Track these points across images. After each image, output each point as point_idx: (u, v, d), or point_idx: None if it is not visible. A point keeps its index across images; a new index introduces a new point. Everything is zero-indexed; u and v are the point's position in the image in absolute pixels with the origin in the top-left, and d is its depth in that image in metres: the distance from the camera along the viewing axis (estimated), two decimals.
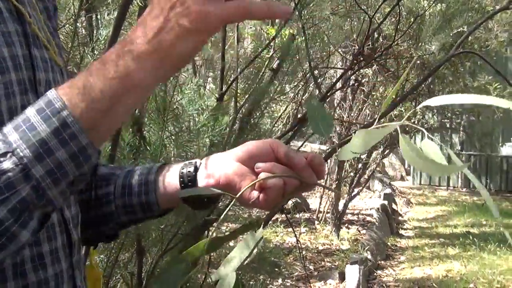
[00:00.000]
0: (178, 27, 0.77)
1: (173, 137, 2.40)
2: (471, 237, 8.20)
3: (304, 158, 0.98)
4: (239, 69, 3.10)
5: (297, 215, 8.76)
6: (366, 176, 9.09)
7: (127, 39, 0.79)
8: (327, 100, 7.00)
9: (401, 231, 9.29)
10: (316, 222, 8.67)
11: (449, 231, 9.12)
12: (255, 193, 0.98)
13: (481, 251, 7.56)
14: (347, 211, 8.82)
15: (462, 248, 7.85)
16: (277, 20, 3.38)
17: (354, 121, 7.57)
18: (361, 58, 3.67)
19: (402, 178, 16.25)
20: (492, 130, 13.58)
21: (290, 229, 8.03)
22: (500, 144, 13.82)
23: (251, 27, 5.70)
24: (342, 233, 8.12)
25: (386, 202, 9.61)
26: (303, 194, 10.95)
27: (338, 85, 4.07)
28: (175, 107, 2.45)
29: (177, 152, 2.38)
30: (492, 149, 13.39)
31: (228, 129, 2.60)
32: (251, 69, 3.35)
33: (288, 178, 0.97)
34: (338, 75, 5.40)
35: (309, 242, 7.80)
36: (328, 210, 8.40)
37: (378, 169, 11.01)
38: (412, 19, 4.92)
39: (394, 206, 10.49)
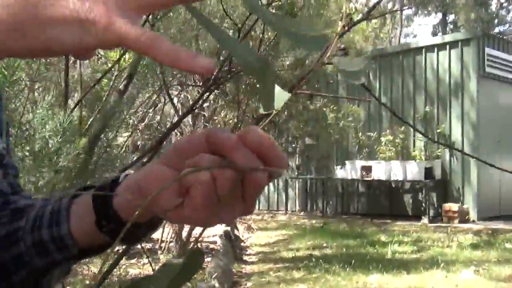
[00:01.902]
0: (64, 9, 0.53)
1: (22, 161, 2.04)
2: (314, 260, 8.26)
3: (238, 136, 0.68)
4: (81, 93, 2.81)
5: (138, 246, 8.40)
6: None
7: None
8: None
9: (245, 257, 9.20)
10: (159, 252, 8.36)
11: (292, 254, 9.16)
12: (176, 200, 0.68)
13: (326, 272, 7.61)
14: (190, 239, 8.59)
15: (307, 270, 7.87)
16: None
17: None
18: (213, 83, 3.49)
19: None
20: (328, 154, 14.00)
21: (133, 261, 7.68)
22: (336, 167, 14.23)
23: None
24: None
25: (228, 228, 9.52)
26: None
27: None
28: (25, 128, 2.10)
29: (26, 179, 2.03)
30: (328, 172, 13.76)
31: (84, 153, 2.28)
32: (94, 86, 3.09)
33: (218, 169, 0.65)
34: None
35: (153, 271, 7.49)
36: (171, 239, 8.14)
37: None
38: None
39: (236, 232, 10.42)
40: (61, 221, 0.84)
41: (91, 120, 2.70)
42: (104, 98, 2.85)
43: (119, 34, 0.54)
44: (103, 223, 0.81)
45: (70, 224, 0.84)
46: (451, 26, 36.49)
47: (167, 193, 0.68)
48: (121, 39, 0.54)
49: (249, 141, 0.66)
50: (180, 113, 5.75)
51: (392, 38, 30.90)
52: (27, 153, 2.06)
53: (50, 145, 2.04)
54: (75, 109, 2.61)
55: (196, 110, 7.47)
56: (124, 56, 3.18)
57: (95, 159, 2.39)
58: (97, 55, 5.11)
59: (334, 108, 9.25)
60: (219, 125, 7.32)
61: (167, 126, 6.21)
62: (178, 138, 0.75)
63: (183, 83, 5.76)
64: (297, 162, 14.26)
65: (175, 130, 7.24)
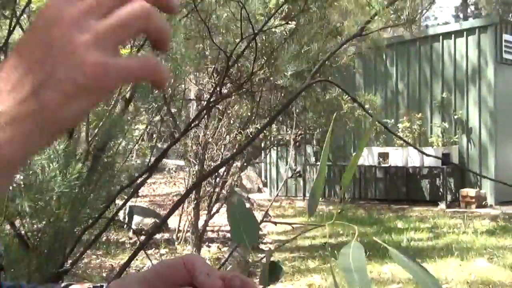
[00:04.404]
0: (67, 83, 0.56)
1: (20, 189, 2.12)
2: (329, 249, 8.35)
3: (221, 280, 0.81)
4: None
5: (156, 236, 8.55)
6: (224, 192, 9.05)
7: None
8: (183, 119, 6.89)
9: (261, 246, 9.31)
10: (176, 242, 8.50)
11: (308, 243, 9.25)
12: None
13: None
14: (207, 228, 8.72)
15: (321, 260, 7.97)
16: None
17: (210, 140, 7.50)
18: (220, 95, 3.58)
19: (259, 190, 16.45)
20: (345, 141, 14.08)
21: (149, 251, 7.83)
22: (353, 154, 14.28)
23: None
24: (203, 252, 8.01)
25: None
26: (161, 212, 10.76)
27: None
28: None
29: (27, 205, 2.12)
30: (345, 159, 13.82)
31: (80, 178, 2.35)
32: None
33: None
34: (195, 106, 5.30)
35: None
36: (188, 229, 8.27)
37: (236, 183, 11.04)
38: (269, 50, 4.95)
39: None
40: None
41: (96, 131, 2.76)
42: (111, 105, 2.92)
43: (122, 74, 0.58)
44: None
45: None
46: (472, 8, 36.19)
47: None
48: (125, 77, 0.59)
49: (229, 284, 0.79)
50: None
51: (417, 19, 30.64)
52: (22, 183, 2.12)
53: (46, 173, 2.11)
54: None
55: (210, 104, 7.57)
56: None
57: (97, 176, 2.48)
58: None
59: (349, 98, 9.28)
60: (232, 119, 7.39)
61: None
62: (159, 262, 0.82)
63: (185, 99, 5.86)
64: (313, 149, 14.34)
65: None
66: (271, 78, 6.03)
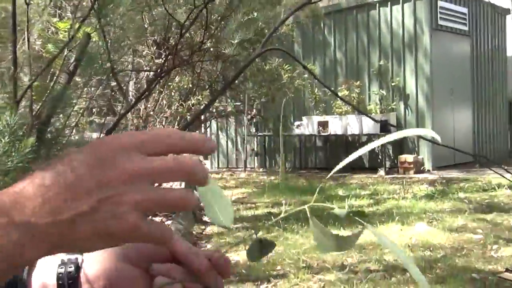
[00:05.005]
0: (103, 226, 0.61)
1: None
2: (272, 218, 8.39)
3: (207, 259, 0.83)
4: (31, 75, 2.79)
5: None
6: None
7: (18, 199, 0.61)
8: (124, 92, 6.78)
9: (205, 218, 9.30)
10: None
11: (251, 213, 9.28)
12: None
13: (284, 231, 7.76)
14: None
15: (265, 230, 8.01)
16: (69, 14, 3.11)
17: (151, 113, 7.41)
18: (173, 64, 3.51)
19: None
20: (285, 111, 14.12)
21: None
22: (293, 124, 14.36)
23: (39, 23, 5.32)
24: None
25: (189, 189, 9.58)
26: None
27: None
28: None
29: None
30: (286, 129, 13.89)
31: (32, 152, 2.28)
32: (40, 65, 3.07)
33: (189, 283, 0.82)
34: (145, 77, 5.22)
35: None
36: None
37: None
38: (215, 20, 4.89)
39: (195, 192, 10.49)
40: None
41: (39, 105, 2.69)
42: (52, 83, 2.83)
43: (147, 237, 0.65)
44: None
45: None
46: None
47: None
48: (149, 240, 0.66)
49: (218, 267, 0.83)
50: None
51: None
52: None
53: None
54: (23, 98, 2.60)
55: (150, 75, 7.47)
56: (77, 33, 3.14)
57: (45, 150, 2.41)
58: (48, 27, 5.06)
59: (289, 68, 9.29)
60: (173, 92, 7.31)
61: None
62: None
63: (135, 70, 5.76)
64: (254, 120, 14.35)
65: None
66: (212, 49, 5.96)
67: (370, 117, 2.35)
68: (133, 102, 2.61)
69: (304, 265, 6.21)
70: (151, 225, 0.65)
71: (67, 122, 2.81)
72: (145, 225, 0.63)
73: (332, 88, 13.86)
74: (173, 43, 5.14)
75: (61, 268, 0.87)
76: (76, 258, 0.88)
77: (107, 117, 8.44)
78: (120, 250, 0.86)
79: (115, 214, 0.61)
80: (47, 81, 2.79)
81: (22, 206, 0.60)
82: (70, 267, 0.87)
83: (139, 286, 0.83)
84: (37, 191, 0.61)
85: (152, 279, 0.83)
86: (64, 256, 0.89)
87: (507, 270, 5.78)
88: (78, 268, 0.87)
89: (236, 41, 5.08)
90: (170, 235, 0.67)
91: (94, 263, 0.87)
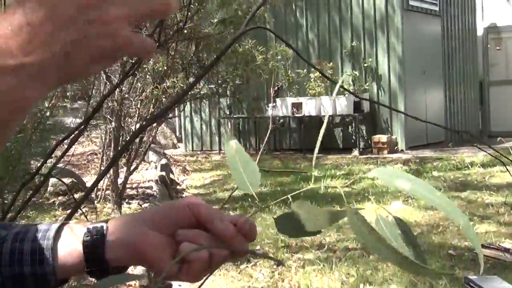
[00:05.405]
0: (98, 48, 0.60)
1: None
2: (249, 199, 8.42)
3: (233, 224, 0.85)
4: None
5: (75, 196, 8.38)
6: (143, 149, 8.94)
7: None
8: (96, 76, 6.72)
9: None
10: (96, 200, 8.37)
11: (228, 195, 9.29)
12: (175, 267, 0.82)
13: (261, 211, 7.78)
14: (126, 185, 8.62)
15: (243, 210, 8.04)
16: None
17: (126, 95, 7.37)
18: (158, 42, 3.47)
19: (174, 146, 16.35)
20: (258, 93, 14.10)
21: (68, 211, 7.67)
22: (267, 105, 14.36)
23: None
24: (124, 210, 7.92)
25: (164, 173, 9.57)
26: (77, 172, 10.56)
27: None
28: None
29: None
30: (259, 111, 13.89)
31: None
32: None
33: (216, 249, 0.83)
34: None
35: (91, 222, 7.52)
36: (107, 187, 8.15)
37: (152, 139, 10.94)
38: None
39: (171, 175, 10.49)
40: (46, 261, 0.88)
41: None
42: None
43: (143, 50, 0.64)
44: (96, 272, 0.88)
45: (55, 265, 0.89)
46: None
47: (167, 259, 0.83)
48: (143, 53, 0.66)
49: (243, 231, 0.85)
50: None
51: None
52: None
53: None
54: None
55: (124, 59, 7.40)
56: None
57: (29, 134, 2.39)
58: None
59: (263, 49, 9.27)
60: (148, 73, 7.26)
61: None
62: (163, 204, 0.87)
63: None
64: (228, 102, 14.32)
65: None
66: (186, 31, 5.91)
67: (361, 98, 2.33)
68: (116, 83, 2.59)
69: (283, 244, 6.26)
70: (140, 36, 0.63)
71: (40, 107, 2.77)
72: (136, 38, 0.62)
73: (305, 70, 13.89)
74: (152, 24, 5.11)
75: (87, 236, 0.88)
76: (102, 226, 0.89)
77: (79, 102, 8.37)
78: (145, 216, 0.88)
79: (106, 33, 0.59)
80: None
81: (8, 48, 0.57)
82: (95, 236, 0.88)
83: (165, 252, 0.84)
84: (18, 31, 0.57)
85: (178, 245, 0.84)
86: (89, 225, 0.90)
87: (482, 246, 5.87)
88: (103, 235, 0.88)
89: (215, 20, 5.07)
90: (151, 44, 0.64)
91: (119, 230, 0.88)
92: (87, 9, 0.58)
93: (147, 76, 7.36)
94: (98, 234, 0.88)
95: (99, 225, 0.89)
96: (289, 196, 0.83)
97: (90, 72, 0.62)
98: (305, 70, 13.97)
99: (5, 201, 2.14)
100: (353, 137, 13.90)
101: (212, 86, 9.89)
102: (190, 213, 0.86)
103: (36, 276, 0.89)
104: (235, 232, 0.84)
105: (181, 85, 7.18)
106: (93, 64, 0.61)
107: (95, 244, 0.87)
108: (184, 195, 9.69)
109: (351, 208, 0.75)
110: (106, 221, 0.91)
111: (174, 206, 0.89)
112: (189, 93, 9.07)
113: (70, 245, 0.89)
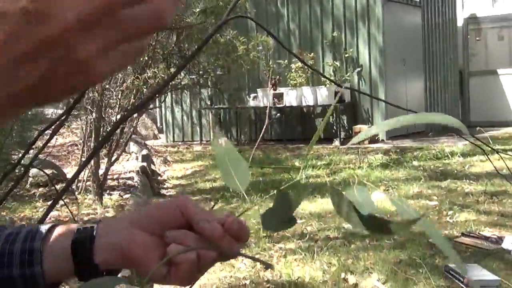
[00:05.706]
0: (66, 84, 0.51)
1: None
2: (231, 190, 8.42)
3: (220, 224, 0.82)
4: None
5: (56, 187, 8.33)
6: (124, 139, 8.91)
7: None
8: None
9: (163, 191, 9.29)
10: (76, 192, 8.33)
11: (209, 185, 9.30)
12: (163, 269, 0.81)
13: (243, 202, 7.80)
14: (107, 176, 8.59)
15: (224, 201, 8.04)
16: None
17: (107, 86, 7.33)
18: None
19: (155, 137, 16.31)
20: (239, 84, 14.10)
21: (49, 202, 7.63)
22: (249, 96, 14.36)
23: None
24: (105, 201, 7.89)
25: (145, 164, 9.55)
26: (57, 163, 10.50)
27: None
28: None
29: None
30: (240, 102, 13.88)
31: None
32: None
33: (203, 251, 0.81)
34: None
35: (72, 214, 7.47)
36: (88, 178, 8.11)
37: (132, 130, 10.89)
38: None
39: (152, 166, 10.47)
40: (35, 262, 0.88)
41: None
42: None
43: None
44: (86, 275, 0.87)
45: (44, 266, 0.88)
46: None
47: (155, 261, 0.81)
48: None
49: (232, 231, 0.82)
50: None
51: None
52: None
53: None
54: None
55: None
56: None
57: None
58: None
59: (244, 40, 9.26)
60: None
61: None
62: (152, 205, 0.84)
63: None
64: (209, 93, 14.29)
65: None
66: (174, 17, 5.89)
67: (350, 88, 2.35)
68: None
69: (265, 234, 6.26)
70: (114, 59, 0.51)
71: None
72: (111, 68, 0.51)
73: (286, 61, 13.89)
74: None
75: (76, 237, 0.88)
76: (92, 227, 0.89)
77: None
78: (134, 217, 0.87)
79: (77, 71, 0.49)
80: None
81: None
82: (84, 237, 0.88)
83: (153, 253, 0.83)
84: None
85: (167, 246, 0.83)
86: (80, 226, 0.90)
87: (462, 234, 5.93)
88: (92, 236, 0.88)
89: (197, 9, 5.05)
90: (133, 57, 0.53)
91: (109, 231, 0.87)
92: (52, 46, 0.48)
93: (128, 67, 7.32)
94: (87, 235, 0.88)
95: (89, 226, 0.89)
96: (275, 192, 0.82)
97: (61, 99, 0.55)
98: (286, 61, 13.98)
99: None
100: (334, 127, 13.94)
101: (193, 76, 9.86)
102: (179, 213, 0.85)
103: (25, 278, 0.89)
104: (223, 232, 0.82)
105: (162, 75, 7.17)
106: (63, 96, 0.53)
107: (83, 245, 0.87)
108: (165, 186, 9.68)
109: (332, 187, 0.75)
110: (98, 222, 0.91)
111: (163, 207, 0.88)
112: (170, 83, 9.05)
113: (59, 246, 0.89)
